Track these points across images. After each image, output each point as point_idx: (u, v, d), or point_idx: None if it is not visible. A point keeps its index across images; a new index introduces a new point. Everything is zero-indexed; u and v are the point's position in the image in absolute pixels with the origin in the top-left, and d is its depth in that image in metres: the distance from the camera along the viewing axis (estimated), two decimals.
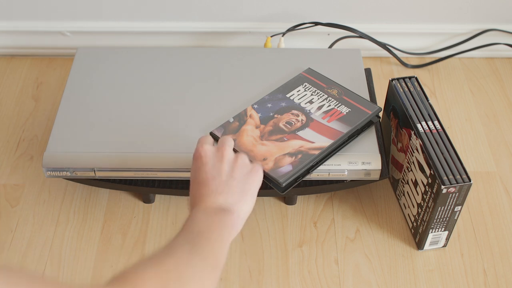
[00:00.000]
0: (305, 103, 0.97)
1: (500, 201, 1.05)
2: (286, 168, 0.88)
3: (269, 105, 0.97)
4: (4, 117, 1.19)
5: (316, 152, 0.90)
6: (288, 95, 0.99)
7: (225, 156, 0.79)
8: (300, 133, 0.93)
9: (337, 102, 0.97)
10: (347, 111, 0.96)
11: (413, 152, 0.93)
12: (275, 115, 0.96)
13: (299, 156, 0.90)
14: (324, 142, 0.91)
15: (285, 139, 0.92)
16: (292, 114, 0.96)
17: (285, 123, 0.94)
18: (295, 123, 0.94)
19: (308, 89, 1.00)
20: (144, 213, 1.03)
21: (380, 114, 1.01)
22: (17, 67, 1.30)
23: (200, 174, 0.77)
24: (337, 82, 1.02)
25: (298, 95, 0.99)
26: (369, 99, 1.01)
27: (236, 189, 0.76)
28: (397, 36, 1.30)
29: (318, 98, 0.98)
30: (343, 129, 0.93)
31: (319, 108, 0.97)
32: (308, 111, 0.96)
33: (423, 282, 0.94)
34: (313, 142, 0.91)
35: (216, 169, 0.77)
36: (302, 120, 0.95)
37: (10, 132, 1.16)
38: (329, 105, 0.97)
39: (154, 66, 1.07)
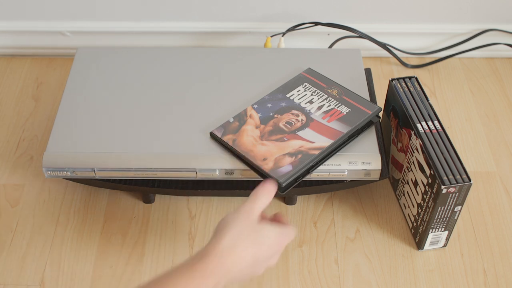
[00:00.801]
0: (305, 103, 0.97)
1: (500, 201, 1.05)
2: (286, 168, 0.88)
3: (269, 105, 0.97)
4: (4, 117, 1.19)
5: (316, 152, 0.90)
6: (288, 95, 0.99)
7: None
8: (300, 133, 0.93)
9: (337, 102, 0.97)
10: (347, 111, 0.96)
11: (413, 152, 0.93)
12: (275, 115, 0.95)
13: (299, 156, 0.89)
14: (324, 142, 0.91)
15: (285, 139, 0.92)
16: (292, 114, 0.96)
17: (285, 123, 0.94)
18: (295, 123, 0.94)
19: (308, 89, 1.00)
20: (144, 213, 1.03)
21: (380, 114, 1.01)
22: (17, 67, 1.30)
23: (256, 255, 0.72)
24: (337, 82, 1.02)
25: (298, 95, 0.99)
26: (369, 99, 1.01)
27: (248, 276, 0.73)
28: (397, 36, 1.30)
29: (318, 98, 0.98)
30: (343, 129, 0.93)
31: (319, 108, 0.97)
32: (308, 111, 0.96)
33: (423, 282, 0.94)
34: (313, 142, 0.91)
35: (263, 262, 0.74)
36: (302, 120, 0.95)
37: (10, 132, 1.16)
38: (329, 105, 0.97)
39: (154, 66, 1.07)
